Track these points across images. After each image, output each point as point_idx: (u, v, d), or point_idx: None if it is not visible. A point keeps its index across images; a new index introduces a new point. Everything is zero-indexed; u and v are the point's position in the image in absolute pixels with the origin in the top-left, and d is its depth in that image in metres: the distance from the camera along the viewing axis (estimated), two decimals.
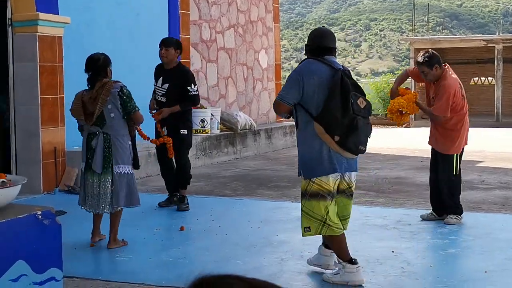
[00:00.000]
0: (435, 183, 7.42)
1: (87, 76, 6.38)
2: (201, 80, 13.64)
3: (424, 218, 7.42)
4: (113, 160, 6.22)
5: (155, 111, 8.05)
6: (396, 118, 7.28)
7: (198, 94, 8.20)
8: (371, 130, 5.35)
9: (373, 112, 28.48)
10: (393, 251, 6.15)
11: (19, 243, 3.45)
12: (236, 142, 13.66)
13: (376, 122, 24.54)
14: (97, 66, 6.36)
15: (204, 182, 10.35)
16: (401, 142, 16.87)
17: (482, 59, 28.69)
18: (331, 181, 5.17)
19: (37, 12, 9.13)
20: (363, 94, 5.31)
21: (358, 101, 5.16)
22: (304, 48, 5.60)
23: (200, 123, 12.45)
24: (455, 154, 7.28)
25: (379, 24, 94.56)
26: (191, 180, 8.39)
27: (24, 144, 9.25)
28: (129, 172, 6.34)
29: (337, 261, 5.39)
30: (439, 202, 7.40)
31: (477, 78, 29.17)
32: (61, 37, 9.49)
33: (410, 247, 6.34)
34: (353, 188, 5.37)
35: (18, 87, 9.28)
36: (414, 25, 36.92)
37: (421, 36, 36.77)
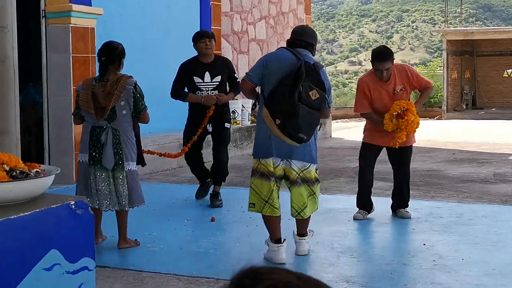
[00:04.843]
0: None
1: (100, 63, 6.01)
2: None
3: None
4: (123, 156, 5.93)
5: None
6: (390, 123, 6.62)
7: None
8: (317, 122, 5.48)
9: None
10: (424, 244, 6.12)
11: (52, 233, 3.48)
12: None
13: None
14: (114, 54, 5.97)
15: (234, 173, 10.36)
16: (433, 135, 16.74)
17: None
18: (271, 164, 5.50)
19: (70, 4, 9.20)
20: (322, 90, 5.40)
21: (310, 93, 5.34)
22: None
23: (231, 114, 12.45)
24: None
25: (411, 15, 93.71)
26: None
27: (57, 134, 9.33)
28: (135, 169, 6.06)
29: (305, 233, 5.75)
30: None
31: (510, 70, 28.82)
32: (94, 28, 9.56)
33: (441, 240, 6.30)
34: (307, 176, 5.55)
35: (51, 78, 9.37)
36: (447, 17, 36.56)
37: (454, 27, 36.36)
